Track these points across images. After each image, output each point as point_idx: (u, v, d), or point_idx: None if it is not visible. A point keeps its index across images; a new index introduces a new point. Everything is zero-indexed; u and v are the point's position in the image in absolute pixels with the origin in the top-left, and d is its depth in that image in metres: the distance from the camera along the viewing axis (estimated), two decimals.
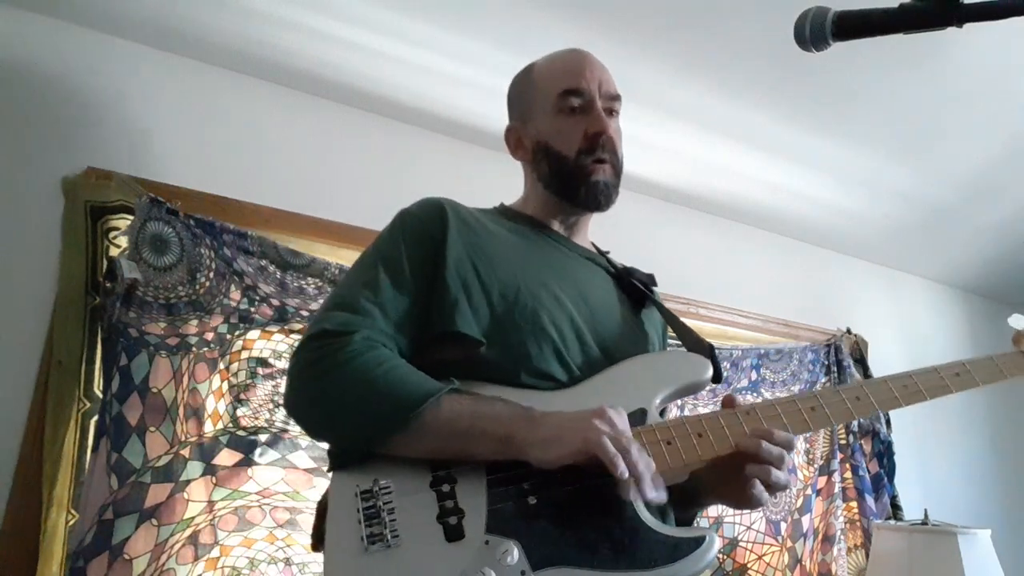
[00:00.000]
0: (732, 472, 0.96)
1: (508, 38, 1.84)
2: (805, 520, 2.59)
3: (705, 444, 0.95)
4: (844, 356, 2.84)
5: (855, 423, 2.77)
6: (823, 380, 2.78)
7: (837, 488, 2.70)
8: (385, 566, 0.82)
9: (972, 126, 2.44)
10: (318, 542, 0.89)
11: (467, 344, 0.97)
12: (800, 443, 2.68)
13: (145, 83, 1.78)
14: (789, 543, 2.54)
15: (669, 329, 1.28)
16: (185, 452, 1.58)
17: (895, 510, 2.79)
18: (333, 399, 0.91)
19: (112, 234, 1.64)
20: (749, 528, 2.47)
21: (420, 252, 1.02)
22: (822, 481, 2.69)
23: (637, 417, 0.96)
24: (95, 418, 1.54)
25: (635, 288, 1.20)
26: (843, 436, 2.78)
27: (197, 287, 1.66)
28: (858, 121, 2.36)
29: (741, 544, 2.44)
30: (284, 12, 1.73)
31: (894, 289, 3.39)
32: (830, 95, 2.22)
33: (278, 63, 1.89)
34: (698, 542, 0.86)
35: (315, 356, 0.92)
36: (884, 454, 2.83)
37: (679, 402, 2.13)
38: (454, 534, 0.84)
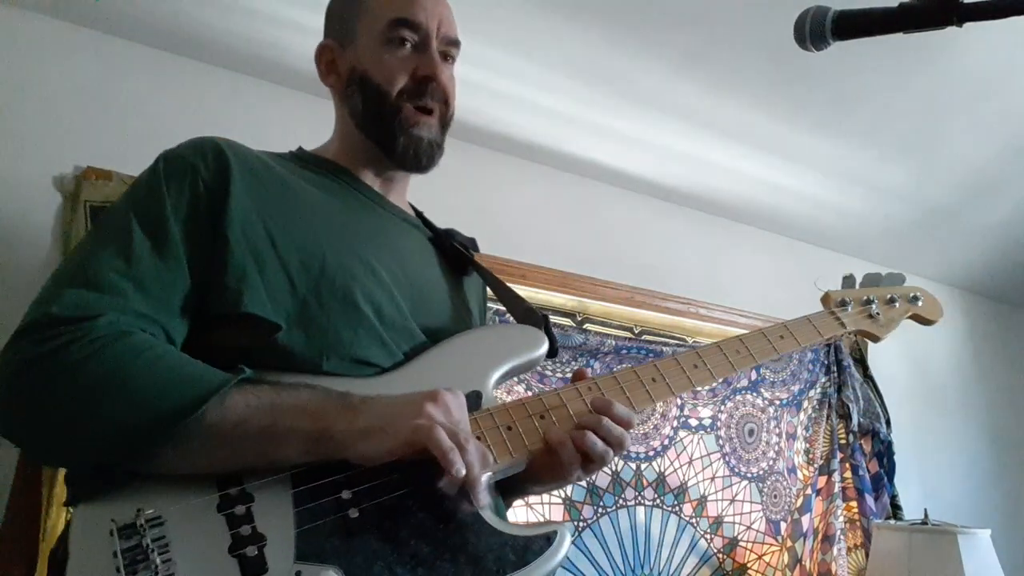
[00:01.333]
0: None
1: (507, 38, 1.84)
2: (805, 520, 2.59)
3: (547, 425, 0.87)
4: (844, 356, 2.84)
5: (855, 423, 2.77)
6: (823, 380, 2.78)
7: (837, 488, 2.70)
8: None
9: (972, 126, 2.44)
10: None
11: (261, 328, 0.78)
12: (800, 442, 2.68)
13: (145, 83, 1.78)
14: (789, 543, 2.54)
15: (489, 297, 1.16)
16: None
17: (895, 510, 2.80)
18: (68, 408, 0.68)
19: None
20: (749, 528, 2.47)
21: (192, 206, 0.80)
22: (822, 481, 2.70)
23: (472, 400, 0.85)
24: None
25: (457, 253, 1.06)
26: (843, 436, 2.78)
27: None
28: (858, 121, 2.36)
29: (741, 544, 2.44)
30: (284, 12, 1.73)
31: None
32: (830, 95, 2.22)
33: (278, 63, 1.88)
34: (549, 539, 0.76)
35: (37, 353, 0.69)
36: (884, 454, 2.83)
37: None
38: (254, 568, 0.67)
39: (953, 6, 0.75)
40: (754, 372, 2.60)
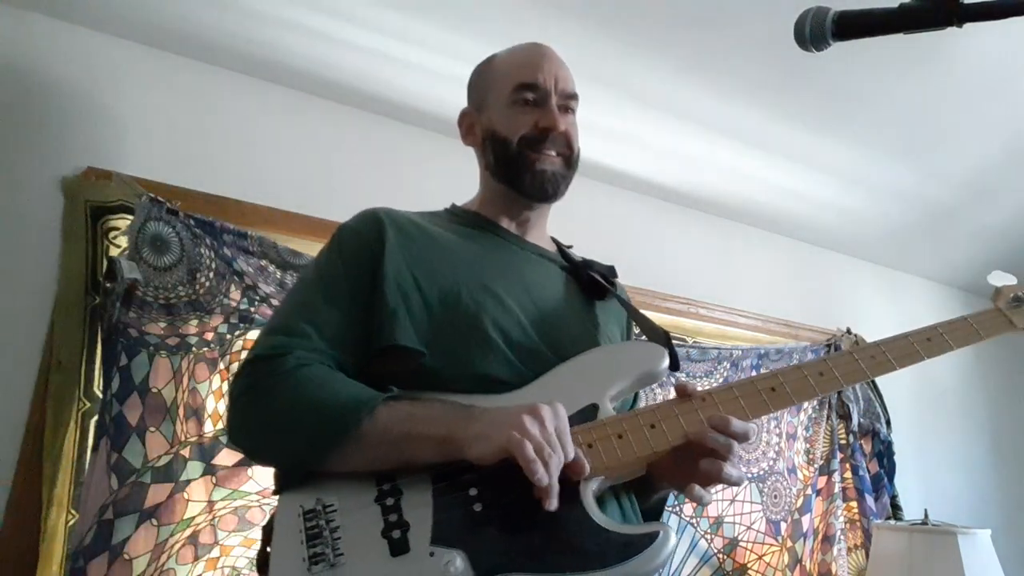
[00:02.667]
0: (686, 461, 0.94)
1: (508, 38, 1.83)
2: (805, 520, 2.59)
3: (658, 435, 0.93)
4: None
5: (855, 423, 2.78)
6: None
7: (837, 488, 2.70)
8: None
9: (972, 126, 2.44)
10: (263, 566, 0.86)
11: (409, 356, 0.95)
12: (800, 443, 2.68)
13: (145, 83, 1.78)
14: (789, 543, 2.54)
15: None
16: (185, 452, 1.58)
17: (895, 510, 2.80)
18: (267, 422, 0.90)
19: (112, 234, 1.64)
20: (749, 528, 2.47)
21: (358, 267, 1.00)
22: (822, 481, 2.70)
23: (588, 412, 0.94)
24: (95, 418, 1.53)
25: (593, 281, 1.17)
26: (843, 436, 2.78)
27: (197, 287, 1.66)
28: (858, 121, 2.36)
29: (741, 544, 2.44)
30: (284, 12, 1.73)
31: (894, 289, 3.39)
32: (830, 95, 2.22)
33: (278, 63, 1.89)
34: (651, 538, 0.83)
35: (248, 383, 0.92)
36: (884, 454, 2.83)
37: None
38: (399, 548, 0.82)
39: (953, 6, 0.75)
40: (754, 372, 2.59)
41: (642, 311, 1.21)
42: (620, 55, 1.99)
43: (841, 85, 2.17)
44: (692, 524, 2.34)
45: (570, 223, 2.31)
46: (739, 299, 2.72)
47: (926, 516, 2.45)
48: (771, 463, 2.57)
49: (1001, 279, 1.19)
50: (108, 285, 1.59)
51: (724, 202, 2.73)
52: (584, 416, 0.92)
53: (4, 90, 1.62)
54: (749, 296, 2.76)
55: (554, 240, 1.25)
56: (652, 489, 1.05)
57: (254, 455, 0.98)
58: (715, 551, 2.37)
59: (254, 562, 0.93)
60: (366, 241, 1.02)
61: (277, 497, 0.90)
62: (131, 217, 1.63)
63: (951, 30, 0.77)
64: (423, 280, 1.00)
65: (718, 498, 2.42)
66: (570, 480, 0.85)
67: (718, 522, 2.40)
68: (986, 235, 3.19)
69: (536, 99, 1.10)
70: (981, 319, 1.10)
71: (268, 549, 0.85)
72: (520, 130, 1.09)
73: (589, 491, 0.87)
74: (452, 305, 0.99)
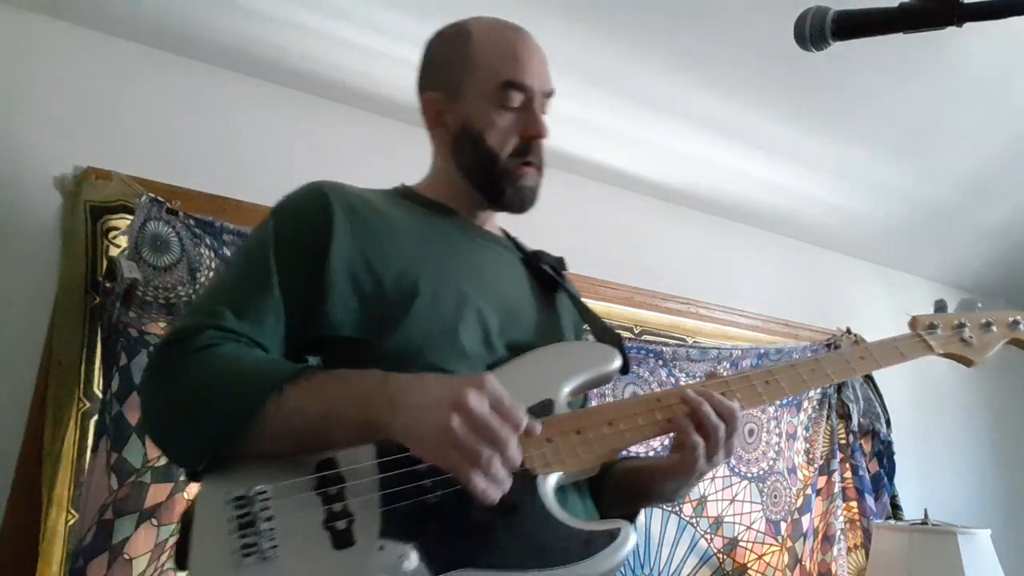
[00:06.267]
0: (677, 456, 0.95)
1: None
2: (805, 520, 2.59)
3: (615, 433, 0.91)
4: None
5: (855, 423, 2.78)
6: None
7: (837, 488, 2.70)
8: None
9: (972, 126, 2.44)
10: (181, 559, 0.77)
11: (352, 346, 0.89)
12: (800, 443, 2.68)
13: (145, 83, 1.78)
14: (789, 543, 2.54)
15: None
16: None
17: (895, 510, 2.80)
18: (168, 409, 0.83)
19: (112, 234, 1.64)
20: (749, 528, 2.47)
21: (295, 246, 0.92)
22: (822, 481, 2.70)
23: (544, 407, 0.91)
24: (95, 418, 1.53)
25: (545, 274, 1.13)
26: (843, 436, 2.78)
27: (197, 287, 1.66)
28: (858, 121, 2.36)
29: (741, 544, 2.44)
30: (284, 12, 1.73)
31: (894, 289, 3.39)
32: (830, 95, 2.22)
33: (278, 63, 1.89)
34: (612, 535, 0.80)
35: (151, 369, 0.86)
36: (884, 454, 2.83)
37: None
38: (342, 540, 0.76)
39: (953, 6, 0.75)
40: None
41: (594, 309, 1.18)
42: (620, 55, 1.99)
43: (841, 85, 2.17)
44: (692, 524, 2.34)
45: (570, 223, 2.31)
46: (739, 299, 2.72)
47: (926, 516, 2.45)
48: (771, 463, 2.57)
49: (916, 311, 1.27)
50: (108, 285, 1.58)
51: (724, 202, 2.73)
52: (539, 410, 0.89)
53: (3, 90, 1.62)
54: (749, 296, 2.76)
55: (503, 231, 1.19)
56: (643, 498, 1.04)
57: (162, 446, 0.88)
58: (715, 551, 2.37)
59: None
60: (309, 220, 0.94)
61: (196, 484, 0.82)
62: (131, 217, 1.62)
63: (951, 30, 0.77)
64: (376, 263, 0.93)
65: (718, 498, 2.42)
66: (528, 472, 0.82)
67: (718, 522, 2.40)
68: (986, 235, 3.19)
69: (523, 102, 1.04)
70: (903, 342, 1.19)
71: (188, 541, 0.76)
72: (509, 143, 1.03)
73: (548, 485, 0.84)
74: (407, 290, 0.92)
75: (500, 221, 1.18)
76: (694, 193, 2.66)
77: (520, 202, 1.05)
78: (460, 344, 0.93)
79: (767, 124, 2.32)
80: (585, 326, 1.17)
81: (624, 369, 1.01)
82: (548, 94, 1.08)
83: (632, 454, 1.15)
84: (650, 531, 2.24)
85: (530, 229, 1.23)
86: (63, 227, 1.61)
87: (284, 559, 0.74)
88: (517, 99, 1.03)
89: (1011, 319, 1.25)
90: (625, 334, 2.31)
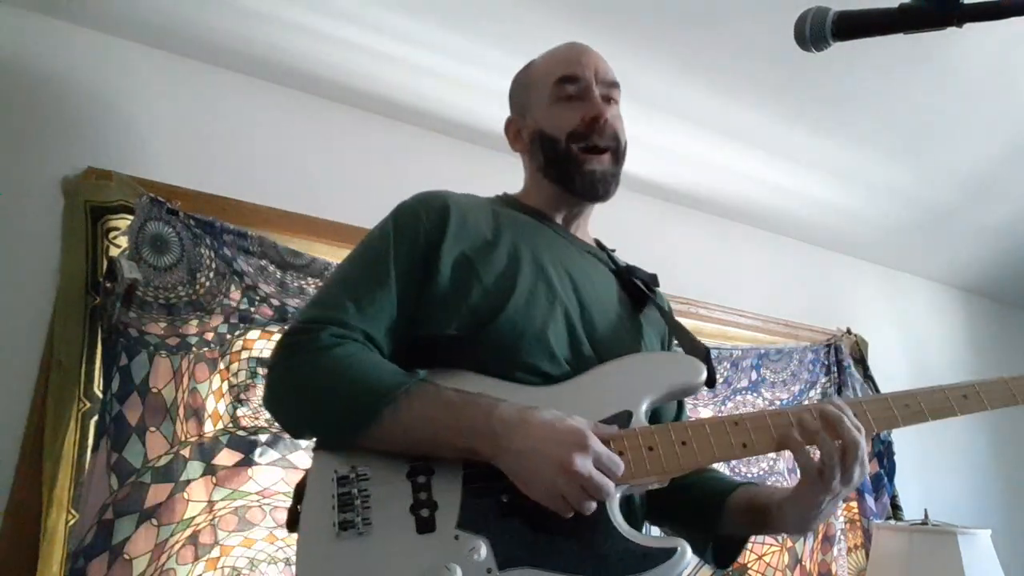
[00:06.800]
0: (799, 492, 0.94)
1: (508, 38, 1.84)
2: None
3: (687, 452, 0.92)
4: (844, 356, 2.84)
5: None
6: (823, 380, 2.78)
7: None
8: (354, 552, 0.82)
9: (972, 126, 2.44)
10: (292, 523, 0.88)
11: (456, 342, 0.96)
12: None
13: (145, 83, 1.78)
14: (789, 543, 2.54)
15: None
16: (185, 452, 1.58)
17: (895, 510, 2.79)
18: (295, 398, 0.91)
19: (112, 234, 1.64)
20: None
21: (411, 249, 0.99)
22: None
23: (622, 419, 0.94)
24: (95, 418, 1.53)
25: (636, 287, 1.16)
26: None
27: (197, 287, 1.66)
28: (858, 121, 2.36)
29: None
30: (284, 12, 1.73)
31: (894, 289, 3.39)
32: (830, 95, 2.22)
33: (278, 63, 1.89)
34: (669, 553, 0.83)
35: (281, 355, 0.92)
36: (884, 454, 2.83)
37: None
38: (425, 526, 0.83)
39: (953, 6, 0.75)
40: (754, 372, 2.60)
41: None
42: (620, 55, 1.98)
43: (841, 85, 2.16)
44: None
45: None
46: (739, 299, 2.72)
47: (926, 516, 2.45)
48: (771, 463, 2.57)
49: None
50: (108, 285, 1.58)
51: (724, 202, 2.73)
52: (617, 421, 0.92)
53: (4, 90, 1.62)
54: (749, 296, 2.76)
55: (597, 242, 1.25)
56: (762, 527, 1.03)
57: (285, 426, 0.98)
58: None
59: (283, 522, 0.94)
60: (425, 224, 1.01)
61: (313, 454, 0.91)
62: (131, 217, 1.63)
63: (951, 30, 0.77)
64: (478, 263, 0.99)
65: None
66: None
67: None
68: (986, 235, 3.19)
69: (578, 92, 1.09)
70: (1018, 383, 1.08)
71: (299, 508, 0.86)
72: (567, 126, 1.08)
73: (615, 498, 0.87)
74: (504, 290, 0.98)
75: (594, 232, 1.24)
76: (695, 193, 2.66)
77: (590, 188, 1.09)
78: (550, 346, 0.97)
79: (768, 124, 2.32)
80: (674, 340, 1.19)
81: (710, 382, 1.01)
82: (609, 83, 1.12)
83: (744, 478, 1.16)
84: (650, 531, 2.23)
85: None
86: (63, 227, 1.61)
87: (374, 536, 0.83)
88: (572, 89, 1.09)
89: None
90: None
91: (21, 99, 1.63)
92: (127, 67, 1.76)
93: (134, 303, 1.57)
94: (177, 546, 1.54)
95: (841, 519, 2.69)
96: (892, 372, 3.08)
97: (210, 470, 1.60)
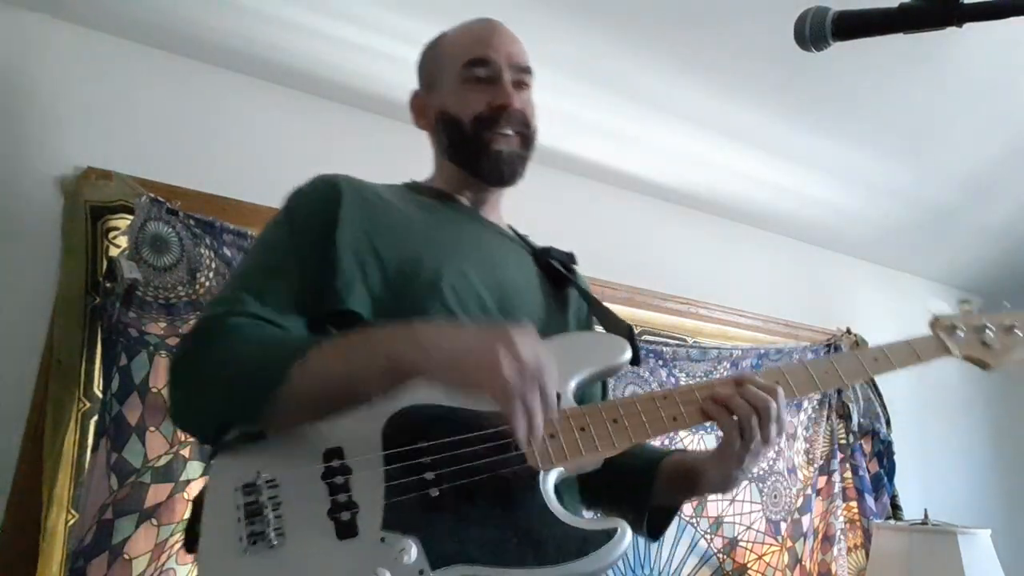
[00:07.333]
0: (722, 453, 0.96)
1: None
2: (805, 520, 2.59)
3: (620, 430, 0.91)
4: None
5: (855, 423, 2.77)
6: None
7: (837, 488, 2.70)
8: (267, 567, 0.74)
9: (972, 126, 2.44)
10: (191, 544, 0.79)
11: (361, 324, 0.91)
12: (800, 443, 2.68)
13: (145, 83, 1.78)
14: (789, 543, 2.54)
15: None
16: (185, 452, 1.58)
17: (895, 510, 2.79)
18: (197, 387, 0.85)
19: (112, 234, 1.64)
20: (749, 528, 2.47)
21: (308, 232, 0.95)
22: (822, 481, 2.70)
23: None
24: (95, 418, 1.53)
25: (554, 268, 1.13)
26: (843, 436, 2.78)
27: (197, 287, 1.66)
28: (858, 121, 2.36)
29: (741, 544, 2.44)
30: (284, 12, 1.73)
31: (894, 289, 3.39)
32: (830, 95, 2.22)
33: (278, 63, 1.89)
34: (609, 535, 0.80)
35: (178, 355, 0.89)
36: (884, 454, 2.83)
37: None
38: (346, 531, 0.76)
39: (953, 6, 0.75)
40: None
41: (606, 304, 1.17)
42: (620, 55, 1.99)
43: (841, 85, 2.17)
44: (692, 524, 2.35)
45: (570, 223, 2.31)
46: (739, 299, 2.72)
47: (926, 516, 2.45)
48: (771, 463, 2.57)
49: (939, 307, 1.23)
50: (108, 285, 1.58)
51: (724, 202, 2.73)
52: None
53: (3, 90, 1.62)
54: (749, 296, 2.76)
55: (510, 227, 1.20)
56: (689, 491, 1.05)
57: (196, 431, 0.92)
58: (715, 551, 2.37)
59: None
60: (320, 206, 0.97)
61: (210, 464, 0.84)
62: (131, 217, 1.63)
63: (951, 30, 0.77)
64: (382, 247, 0.95)
65: (718, 498, 2.41)
66: (530, 468, 0.84)
67: (718, 522, 2.40)
68: (986, 235, 3.19)
69: (488, 75, 1.05)
70: (920, 344, 1.17)
71: (198, 526, 0.77)
72: (473, 110, 1.04)
73: (550, 482, 0.85)
74: (411, 273, 0.94)
75: (507, 218, 1.19)
76: (694, 193, 2.66)
77: (497, 171, 1.06)
78: (459, 324, 0.93)
79: (768, 124, 2.32)
80: (595, 319, 1.16)
81: (635, 360, 1.00)
82: (521, 69, 1.09)
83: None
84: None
85: (531, 229, 1.24)
86: (63, 227, 1.61)
87: (289, 547, 0.75)
88: (481, 73, 1.06)
89: None
90: None
91: (21, 99, 1.63)
92: (128, 67, 1.76)
93: (134, 303, 1.58)
94: (177, 546, 1.54)
95: (841, 519, 2.69)
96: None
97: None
